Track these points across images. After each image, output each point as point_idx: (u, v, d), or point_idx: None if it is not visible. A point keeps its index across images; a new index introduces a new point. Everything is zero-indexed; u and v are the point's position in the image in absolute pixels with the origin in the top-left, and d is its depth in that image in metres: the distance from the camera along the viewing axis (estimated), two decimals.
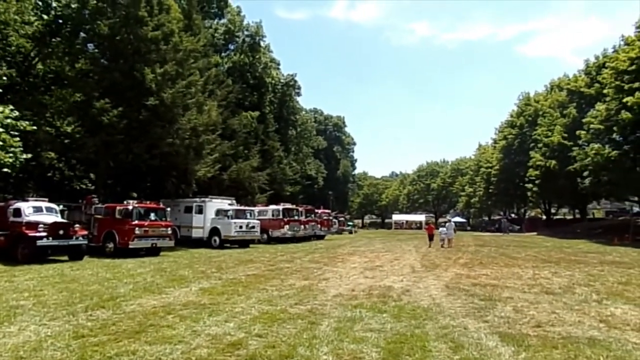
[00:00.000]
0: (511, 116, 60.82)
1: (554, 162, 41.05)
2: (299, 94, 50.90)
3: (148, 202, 19.67)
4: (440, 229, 30.21)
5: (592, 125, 33.72)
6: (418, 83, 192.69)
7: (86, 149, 21.98)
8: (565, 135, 40.42)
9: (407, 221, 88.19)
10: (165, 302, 8.23)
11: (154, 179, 26.54)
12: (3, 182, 23.65)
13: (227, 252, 20.22)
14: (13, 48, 20.83)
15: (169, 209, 20.12)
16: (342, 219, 55.32)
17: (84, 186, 30.39)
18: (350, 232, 53.43)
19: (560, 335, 6.23)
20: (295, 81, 48.21)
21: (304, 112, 60.19)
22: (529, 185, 48.37)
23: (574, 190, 40.30)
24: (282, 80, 46.77)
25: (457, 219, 78.27)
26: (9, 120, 17.34)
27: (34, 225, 14.81)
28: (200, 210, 23.98)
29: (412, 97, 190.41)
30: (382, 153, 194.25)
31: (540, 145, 45.67)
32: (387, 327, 6.56)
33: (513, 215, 72.65)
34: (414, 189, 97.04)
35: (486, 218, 76.30)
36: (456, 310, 7.75)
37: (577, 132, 35.97)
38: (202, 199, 24.53)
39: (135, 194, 31.72)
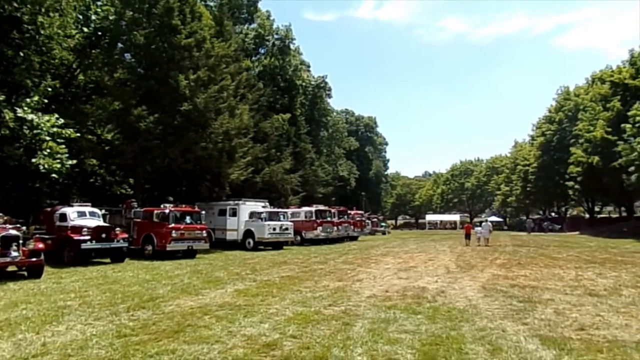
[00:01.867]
0: (549, 112, 58.81)
1: (596, 158, 39.30)
2: (329, 96, 51.02)
3: (184, 205, 20.16)
4: (476, 228, 29.57)
5: (638, 119, 32.13)
6: (451, 80, 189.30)
7: (125, 155, 22.83)
8: (609, 129, 38.60)
9: (441, 221, 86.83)
10: (202, 303, 8.42)
11: (188, 182, 27.23)
12: (50, 188, 24.78)
13: (261, 254, 20.46)
14: (57, 60, 21.82)
15: (203, 212, 20.55)
16: (375, 219, 54.99)
17: (123, 191, 31.55)
18: (384, 233, 53.03)
19: (605, 339, 5.98)
20: (326, 83, 48.38)
21: (335, 114, 60.23)
22: (570, 183, 46.59)
23: (620, 187, 38.53)
24: (312, 82, 46.98)
25: (493, 218, 76.41)
26: (55, 129, 18.24)
27: (78, 229, 15.48)
28: (234, 213, 24.38)
29: (444, 95, 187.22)
30: (415, 153, 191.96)
31: (581, 140, 43.90)
32: (422, 328, 6.48)
33: (553, 214, 70.11)
34: (448, 189, 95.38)
35: (524, 217, 73.90)
36: (494, 312, 7.57)
37: (622, 126, 34.32)
38: (236, 201, 24.93)
39: (171, 198, 32.65)
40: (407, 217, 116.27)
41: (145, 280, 11.49)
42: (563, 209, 69.91)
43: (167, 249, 17.52)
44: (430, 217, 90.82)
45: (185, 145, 22.94)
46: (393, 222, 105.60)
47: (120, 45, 24.95)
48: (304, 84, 44.27)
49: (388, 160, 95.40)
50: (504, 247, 25.06)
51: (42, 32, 19.21)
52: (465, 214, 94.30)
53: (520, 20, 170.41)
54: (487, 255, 19.58)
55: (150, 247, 17.98)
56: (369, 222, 48.56)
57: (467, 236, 28.51)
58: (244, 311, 7.61)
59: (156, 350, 5.32)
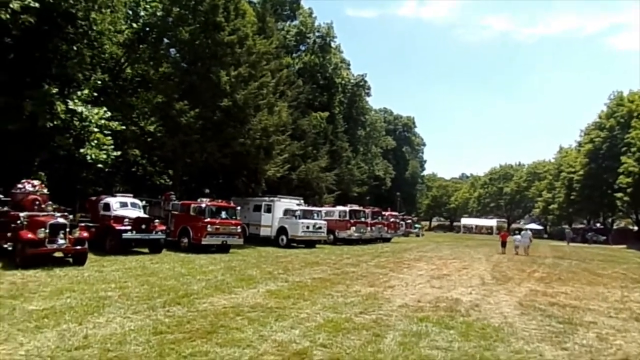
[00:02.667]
0: (600, 117, 56.18)
1: None
2: (368, 94, 50.74)
3: (220, 200, 20.56)
4: (515, 236, 28.65)
5: None
6: (494, 81, 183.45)
7: (166, 147, 23.50)
8: None
9: (476, 225, 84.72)
10: (235, 302, 8.56)
11: (225, 177, 27.73)
12: (95, 176, 25.84)
13: (293, 252, 20.61)
14: (107, 55, 22.69)
15: (239, 207, 20.88)
16: (409, 221, 54.32)
17: (163, 181, 32.56)
18: (417, 235, 52.34)
19: None
20: (365, 81, 48.12)
21: (373, 112, 59.82)
22: (619, 194, 44.35)
23: None
24: (352, 81, 46.81)
25: (533, 225, 73.88)
26: (102, 121, 19.01)
27: (120, 220, 16.08)
28: (269, 210, 24.65)
29: (486, 96, 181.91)
30: (453, 154, 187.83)
31: (633, 149, 41.71)
32: (455, 346, 6.34)
33: (598, 224, 67.03)
34: (486, 192, 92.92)
35: (566, 226, 71.06)
36: (531, 333, 7.30)
37: None
38: (271, 198, 25.20)
39: (207, 190, 33.42)
40: (442, 219, 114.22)
41: (181, 274, 11.79)
42: (609, 219, 66.75)
43: (202, 242, 17.92)
44: (465, 221, 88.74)
45: (223, 140, 23.37)
46: (427, 223, 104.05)
47: (166, 40, 25.68)
48: (343, 82, 44.16)
49: (425, 161, 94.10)
50: (543, 259, 24.15)
51: (94, 27, 20.00)
52: (503, 220, 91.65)
53: (570, 20, 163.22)
54: (525, 267, 18.93)
55: (186, 240, 18.45)
56: (403, 223, 48.06)
57: (504, 244, 27.71)
58: (275, 314, 7.68)
59: (190, 351, 5.44)
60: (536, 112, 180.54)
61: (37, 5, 16.16)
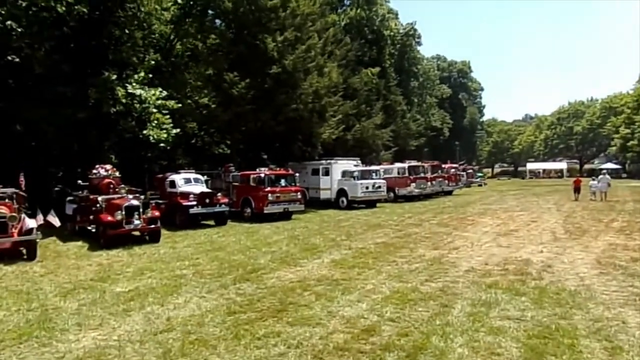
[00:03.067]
0: None
1: None
2: (419, 43, 48.52)
3: (278, 168, 20.91)
4: (591, 182, 26.85)
5: None
6: (556, 7, 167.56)
7: (220, 120, 24.02)
8: None
9: (544, 170, 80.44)
10: (301, 275, 8.81)
11: (281, 142, 28.01)
12: (159, 153, 27.13)
13: (354, 214, 20.74)
14: (157, 35, 23.17)
15: (297, 174, 21.10)
16: (470, 170, 52.57)
17: (221, 150, 33.58)
18: (480, 185, 50.71)
19: None
20: (415, 30, 45.91)
21: (425, 61, 57.26)
22: None
23: None
24: (401, 31, 44.71)
25: (609, 165, 68.99)
26: (160, 101, 19.68)
27: (186, 196, 16.90)
28: (327, 172, 24.79)
29: (549, 26, 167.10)
30: (514, 95, 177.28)
31: None
32: (527, 315, 6.16)
33: None
34: (553, 134, 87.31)
35: None
36: (611, 296, 6.92)
37: None
38: (329, 161, 25.26)
39: (265, 155, 34.08)
40: (505, 165, 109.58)
41: (247, 247, 12.27)
42: None
43: (265, 211, 18.45)
44: (531, 166, 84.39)
45: (276, 108, 23.47)
46: (489, 170, 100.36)
47: (210, 12, 25.73)
48: (392, 33, 42.27)
49: (484, 107, 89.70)
50: (623, 204, 22.52)
51: (142, 9, 20.33)
52: (574, 161, 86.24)
53: None
54: (602, 215, 17.78)
55: (248, 210, 19.08)
56: (464, 174, 46.63)
57: (577, 190, 26.16)
58: (341, 287, 7.82)
59: (263, 332, 5.71)
60: (609, 39, 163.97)
61: None
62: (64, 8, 16.43)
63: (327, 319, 6.20)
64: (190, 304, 7.03)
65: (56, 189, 25.55)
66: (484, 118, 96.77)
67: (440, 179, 31.48)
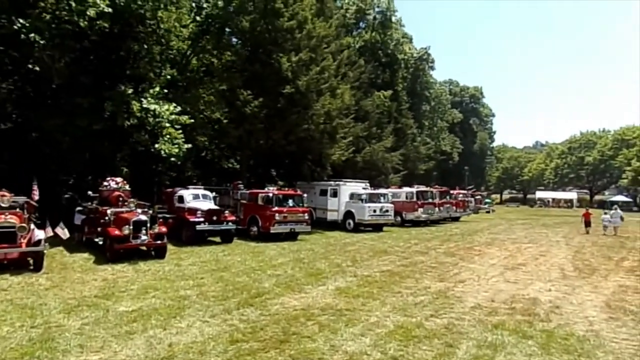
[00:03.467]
0: None
1: None
2: (432, 68, 48.77)
3: (286, 188, 20.96)
4: (603, 216, 26.52)
5: None
6: (571, 40, 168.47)
7: (231, 136, 24.17)
8: None
9: (553, 199, 79.75)
10: (305, 303, 8.74)
11: (290, 161, 28.14)
12: (169, 164, 27.32)
13: (361, 238, 20.64)
14: (174, 51, 23.59)
15: (305, 195, 21.11)
16: (478, 196, 52.35)
17: (230, 165, 33.87)
18: (488, 212, 50.41)
19: None
20: (429, 54, 46.21)
21: (437, 85, 57.51)
22: None
23: None
24: (414, 55, 45.12)
25: (620, 197, 68.27)
26: (173, 116, 19.92)
27: (194, 212, 16.96)
28: (335, 194, 24.79)
29: (563, 57, 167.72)
30: (525, 122, 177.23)
31: None
32: None
33: None
34: (564, 163, 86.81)
35: None
36: (621, 345, 6.76)
37: None
38: (337, 182, 25.29)
39: (274, 172, 34.15)
40: (514, 191, 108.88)
41: (252, 268, 12.23)
42: None
43: (271, 231, 18.44)
44: (541, 194, 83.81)
45: (287, 127, 23.65)
46: (498, 197, 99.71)
47: (227, 30, 26.19)
48: (405, 57, 42.69)
49: (494, 132, 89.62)
50: (634, 241, 22.17)
51: (161, 25, 20.81)
52: (585, 191, 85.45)
53: None
54: (612, 253, 17.50)
55: (255, 229, 19.08)
56: (472, 199, 46.45)
57: (587, 224, 25.86)
58: (345, 318, 7.74)
59: None
60: (623, 70, 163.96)
61: (110, 10, 17.07)
62: (86, 22, 16.79)
63: (329, 353, 6.12)
64: (192, 329, 6.99)
65: (66, 195, 25.80)
66: (494, 144, 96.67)
67: (448, 205, 31.36)
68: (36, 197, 15.43)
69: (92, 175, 22.61)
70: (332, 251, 16.08)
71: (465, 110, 73.71)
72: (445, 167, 60.71)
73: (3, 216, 11.60)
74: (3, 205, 12.25)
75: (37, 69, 18.14)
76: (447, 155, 57.99)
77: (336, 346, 6.39)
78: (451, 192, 34.37)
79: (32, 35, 15.82)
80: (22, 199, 13.88)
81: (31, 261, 11.56)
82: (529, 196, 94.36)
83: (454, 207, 32.56)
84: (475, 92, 78.36)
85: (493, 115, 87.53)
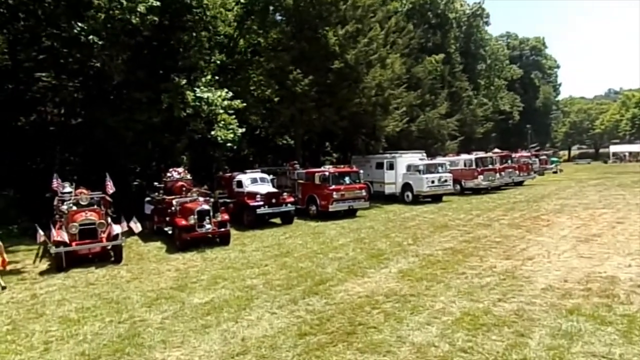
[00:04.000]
0: None
1: None
2: (487, 23, 45.84)
3: (342, 166, 20.95)
4: None
5: None
6: None
7: (284, 116, 24.31)
8: None
9: (630, 152, 73.66)
10: (369, 288, 8.81)
11: (344, 137, 27.99)
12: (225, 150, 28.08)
13: (420, 211, 20.33)
14: (221, 36, 23.85)
15: (361, 171, 20.97)
16: (543, 156, 49.56)
17: (284, 141, 34.32)
18: (555, 172, 47.55)
19: None
20: (483, 9, 43.36)
21: (493, 41, 54.09)
22: None
23: None
24: (467, 12, 42.56)
25: None
26: (225, 102, 20.37)
27: (253, 196, 17.44)
28: (391, 167, 24.45)
29: None
30: (596, 69, 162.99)
31: None
32: (615, 352, 5.73)
33: None
34: None
35: None
36: None
37: None
38: (393, 154, 24.88)
39: (328, 145, 34.10)
40: (584, 146, 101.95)
41: (314, 252, 12.47)
42: None
43: (330, 209, 18.62)
44: (615, 148, 77.67)
45: (339, 103, 23.45)
46: (566, 153, 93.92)
47: (271, 8, 25.98)
48: (457, 15, 40.37)
49: (559, 85, 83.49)
50: None
51: (208, 13, 21.00)
52: None
53: None
54: None
55: (314, 208, 19.34)
56: (537, 160, 44.14)
57: None
58: (410, 305, 7.73)
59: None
60: None
61: (158, 3, 17.48)
62: (137, 19, 17.34)
63: (396, 345, 6.17)
64: (262, 322, 7.30)
65: (135, 182, 27.46)
66: (560, 97, 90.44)
67: (510, 170, 29.93)
68: (111, 191, 16.58)
69: (156, 165, 23.80)
70: (392, 228, 16.00)
71: (526, 64, 69.17)
72: (505, 127, 57.77)
73: (84, 214, 12.60)
74: (83, 203, 13.28)
75: (98, 65, 19.18)
76: (506, 115, 55.03)
77: (403, 337, 6.43)
78: (513, 155, 32.74)
79: (91, 37, 16.58)
80: (98, 195, 14.97)
81: (112, 253, 12.50)
82: (601, 151, 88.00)
83: (517, 172, 31.03)
84: (536, 43, 73.08)
85: (557, 67, 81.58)
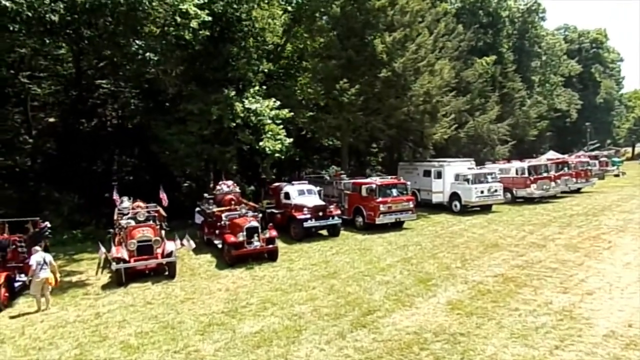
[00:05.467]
0: None
1: None
2: (543, 19, 43.60)
3: (389, 177, 20.74)
4: None
5: None
6: None
7: (331, 125, 24.20)
8: None
9: None
10: (417, 323, 8.72)
11: (390, 145, 27.66)
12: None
13: (469, 224, 19.79)
14: (270, 46, 24.15)
15: (409, 183, 20.65)
16: (603, 158, 46.68)
17: (331, 143, 34.31)
18: (617, 175, 44.65)
19: None
20: (539, 4, 41.23)
21: (549, 36, 51.37)
22: None
23: None
24: (521, 9, 40.63)
25: None
26: (273, 112, 20.66)
27: (300, 208, 17.63)
28: (439, 175, 23.90)
29: None
30: None
31: None
32: None
33: None
34: None
35: None
36: None
37: None
38: (441, 163, 24.31)
39: (375, 146, 33.42)
40: None
41: (361, 273, 12.45)
42: None
43: (377, 222, 18.52)
44: None
45: (386, 112, 23.18)
46: (630, 150, 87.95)
47: (317, 16, 25.95)
48: (510, 12, 38.64)
49: (623, 78, 78.13)
50: None
51: (256, 25, 21.36)
52: None
53: None
54: None
55: (360, 219, 19.29)
56: (596, 162, 41.73)
57: None
58: (460, 348, 7.59)
59: None
60: None
61: (210, 18, 17.93)
62: (190, 35, 17.89)
63: None
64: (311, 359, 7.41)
65: (185, 184, 28.49)
66: (624, 91, 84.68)
67: (567, 177, 28.42)
68: (165, 203, 17.33)
69: (204, 174, 24.58)
70: (440, 246, 15.68)
71: (586, 58, 65.14)
72: (562, 126, 54.83)
73: (142, 230, 13.24)
74: (140, 219, 13.95)
75: (153, 77, 19.98)
76: (563, 113, 52.23)
77: None
78: (569, 161, 31.03)
79: (148, 54, 17.25)
80: (153, 208, 15.68)
81: (166, 268, 13.06)
82: None
83: (574, 179, 29.42)
84: (597, 35, 68.63)
85: (621, 60, 76.40)
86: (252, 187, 27.63)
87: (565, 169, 28.86)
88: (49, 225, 14.32)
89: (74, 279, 13.31)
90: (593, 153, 50.11)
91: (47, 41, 17.21)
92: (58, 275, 11.31)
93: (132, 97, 25.38)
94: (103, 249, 12.81)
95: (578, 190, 30.53)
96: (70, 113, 26.93)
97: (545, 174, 26.67)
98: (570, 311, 9.08)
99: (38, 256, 10.43)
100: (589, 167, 32.78)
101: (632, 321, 8.46)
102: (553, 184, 26.88)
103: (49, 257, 10.72)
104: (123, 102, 26.18)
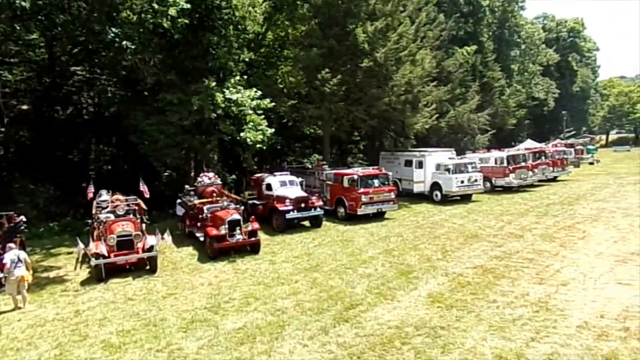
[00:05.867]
0: None
1: None
2: (522, 8, 43.96)
3: (371, 168, 20.85)
4: None
5: None
6: None
7: (312, 114, 24.11)
8: None
9: None
10: (398, 317, 8.86)
11: (372, 134, 27.72)
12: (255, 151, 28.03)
13: (449, 214, 20.12)
14: (251, 35, 23.73)
15: (390, 173, 20.77)
16: (579, 146, 47.96)
17: (312, 130, 34.16)
18: (592, 163, 45.90)
19: None
20: None
21: (528, 25, 51.87)
22: None
23: None
24: None
25: None
26: (254, 102, 20.41)
27: (282, 200, 17.61)
28: (420, 165, 24.14)
29: None
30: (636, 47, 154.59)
31: None
32: None
33: None
34: None
35: None
36: None
37: None
38: (422, 152, 24.55)
39: (357, 133, 33.45)
40: (623, 131, 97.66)
41: (343, 266, 12.55)
42: None
43: (358, 212, 18.65)
44: None
45: (368, 102, 23.17)
46: (603, 137, 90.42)
47: (298, 3, 25.58)
48: (490, 2, 38.80)
49: (598, 67, 79.77)
50: None
51: (236, 13, 20.92)
52: None
53: None
54: None
55: (342, 210, 19.40)
56: (572, 150, 42.87)
57: None
58: (441, 342, 7.74)
59: None
60: None
61: (188, 6, 17.52)
62: (169, 22, 17.48)
63: None
64: (294, 356, 7.47)
65: (165, 173, 28.08)
66: (599, 79, 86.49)
67: (544, 166, 29.07)
68: (147, 195, 17.05)
69: (185, 164, 24.24)
70: (421, 237, 15.90)
71: (563, 47, 66.21)
72: (539, 114, 55.82)
73: (121, 224, 13.03)
74: (119, 213, 13.72)
75: (130, 65, 19.48)
76: (540, 102, 53.08)
77: None
78: (546, 150, 31.71)
79: (125, 42, 16.79)
80: (133, 201, 15.43)
81: (148, 263, 12.92)
82: None
83: (550, 168, 30.10)
84: (575, 24, 69.69)
85: (597, 49, 77.85)
86: (234, 176, 27.50)
87: (543, 158, 29.49)
88: (24, 219, 13.94)
89: (52, 274, 13.07)
90: (569, 141, 51.32)
91: (18, 27, 16.64)
92: (30, 272, 10.92)
93: (109, 85, 24.69)
94: (81, 245, 12.59)
95: (555, 179, 31.29)
96: (43, 100, 26.13)
97: (523, 163, 27.21)
98: (546, 302, 9.36)
99: (12, 254, 10.18)
100: (565, 156, 33.54)
101: (604, 312, 8.77)
102: (530, 173, 27.49)
103: (23, 255, 10.47)
104: (99, 90, 25.44)
